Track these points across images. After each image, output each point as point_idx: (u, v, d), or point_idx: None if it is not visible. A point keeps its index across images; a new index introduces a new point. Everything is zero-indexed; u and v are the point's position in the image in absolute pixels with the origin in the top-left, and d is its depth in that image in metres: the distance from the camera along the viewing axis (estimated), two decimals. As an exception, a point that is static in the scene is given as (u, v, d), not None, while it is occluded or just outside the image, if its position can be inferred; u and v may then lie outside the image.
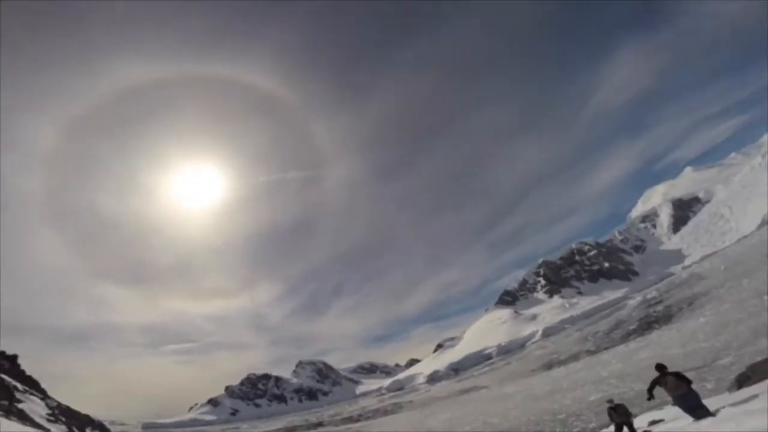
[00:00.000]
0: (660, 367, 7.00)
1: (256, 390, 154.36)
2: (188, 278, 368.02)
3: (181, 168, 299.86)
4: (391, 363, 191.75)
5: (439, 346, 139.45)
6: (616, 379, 29.58)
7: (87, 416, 31.28)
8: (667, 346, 33.34)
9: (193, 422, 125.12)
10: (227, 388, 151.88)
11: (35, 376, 31.00)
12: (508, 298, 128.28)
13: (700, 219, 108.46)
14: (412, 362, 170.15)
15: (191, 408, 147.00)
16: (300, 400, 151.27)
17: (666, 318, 47.06)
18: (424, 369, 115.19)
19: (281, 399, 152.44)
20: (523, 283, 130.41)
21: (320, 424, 72.54)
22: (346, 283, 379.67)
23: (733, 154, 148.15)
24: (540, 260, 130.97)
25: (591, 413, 22.22)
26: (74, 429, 23.39)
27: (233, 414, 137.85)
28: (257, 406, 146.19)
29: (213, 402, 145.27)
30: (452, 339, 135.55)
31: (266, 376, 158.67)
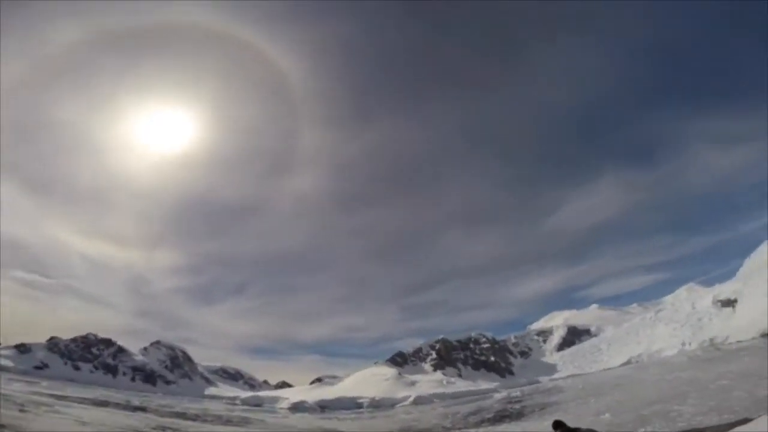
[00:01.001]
0: (558, 424, 6.31)
1: (88, 353, 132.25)
2: (93, 210, 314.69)
3: (149, 106, 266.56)
4: (260, 378, 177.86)
5: (318, 380, 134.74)
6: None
7: None
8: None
9: None
10: (51, 339, 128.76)
11: None
12: (399, 359, 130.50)
13: (581, 347, 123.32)
14: (284, 385, 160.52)
15: None
16: (133, 379, 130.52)
17: (517, 415, 50.54)
18: (291, 395, 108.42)
19: (111, 371, 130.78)
20: (418, 350, 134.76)
21: (142, 409, 61.84)
22: (251, 285, 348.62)
23: (634, 305, 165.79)
24: (440, 336, 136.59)
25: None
26: None
27: (39, 368, 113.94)
28: (76, 368, 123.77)
29: (22, 348, 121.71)
30: (333, 377, 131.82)
31: (108, 342, 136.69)
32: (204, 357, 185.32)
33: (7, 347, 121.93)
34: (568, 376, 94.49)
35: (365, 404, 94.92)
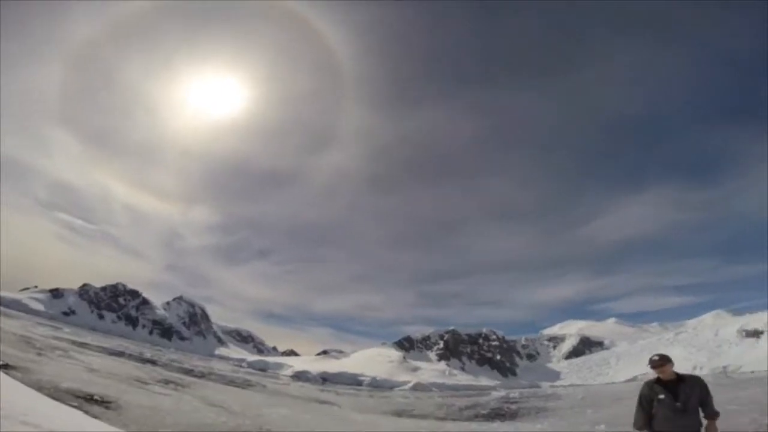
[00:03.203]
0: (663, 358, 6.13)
1: (114, 302, 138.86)
2: (140, 164, 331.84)
3: (203, 73, 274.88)
4: (270, 344, 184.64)
5: (324, 352, 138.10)
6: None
7: None
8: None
9: (14, 304, 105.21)
10: (83, 286, 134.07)
11: None
12: (406, 344, 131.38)
13: (590, 358, 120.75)
14: (291, 353, 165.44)
15: (26, 288, 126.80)
16: (150, 332, 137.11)
17: (512, 415, 50.39)
18: (296, 364, 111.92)
19: (132, 322, 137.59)
20: (426, 338, 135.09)
21: (152, 362, 65.46)
22: (276, 251, 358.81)
23: (655, 323, 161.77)
24: (451, 327, 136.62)
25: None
26: None
27: (67, 314, 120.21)
28: (100, 317, 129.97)
29: (55, 293, 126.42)
30: (340, 352, 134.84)
31: (134, 294, 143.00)
32: (221, 317, 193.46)
33: (42, 291, 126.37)
34: (570, 385, 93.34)
35: (365, 382, 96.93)
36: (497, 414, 51.98)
